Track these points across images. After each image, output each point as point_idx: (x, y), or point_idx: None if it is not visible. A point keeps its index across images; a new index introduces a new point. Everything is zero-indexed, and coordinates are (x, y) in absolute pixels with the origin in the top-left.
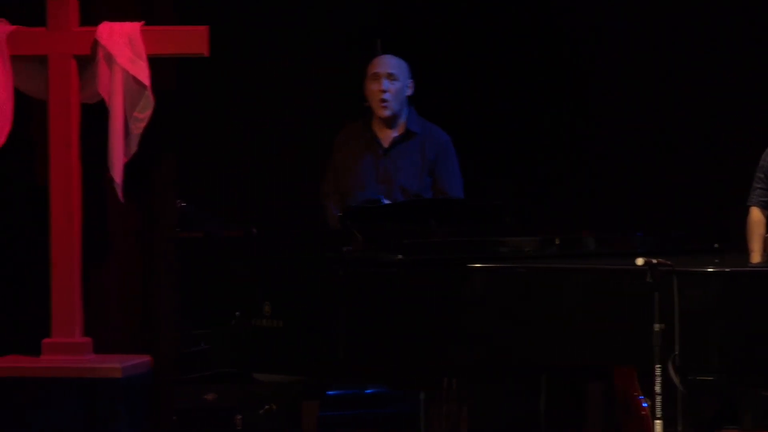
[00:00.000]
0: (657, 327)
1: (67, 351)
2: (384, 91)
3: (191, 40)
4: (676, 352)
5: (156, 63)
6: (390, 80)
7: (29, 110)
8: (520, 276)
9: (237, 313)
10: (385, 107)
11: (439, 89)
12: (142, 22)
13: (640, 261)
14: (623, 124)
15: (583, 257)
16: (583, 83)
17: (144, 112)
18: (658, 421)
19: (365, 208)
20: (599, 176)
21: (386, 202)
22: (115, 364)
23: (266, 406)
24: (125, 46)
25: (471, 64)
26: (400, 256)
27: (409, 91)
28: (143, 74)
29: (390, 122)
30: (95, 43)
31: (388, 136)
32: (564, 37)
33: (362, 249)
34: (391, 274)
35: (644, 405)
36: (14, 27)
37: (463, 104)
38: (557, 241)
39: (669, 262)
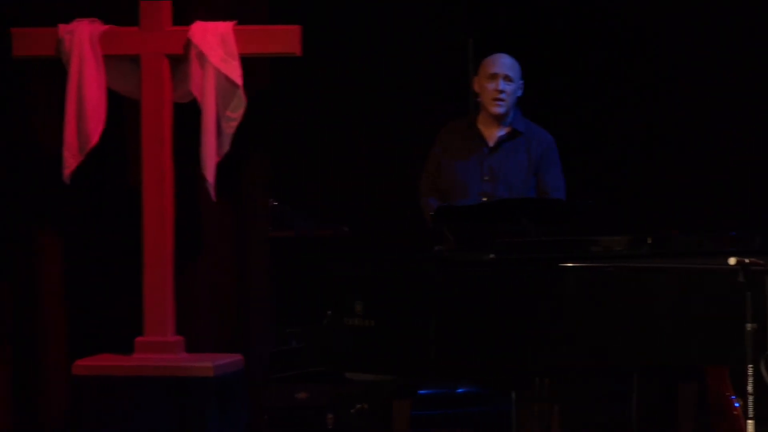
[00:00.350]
0: (749, 327)
1: (160, 350)
2: (501, 92)
3: (284, 39)
4: None
5: (249, 62)
6: (506, 81)
7: (122, 110)
8: (612, 275)
9: (329, 312)
10: (500, 105)
11: (530, 88)
12: (235, 22)
13: (732, 260)
14: (716, 122)
15: (675, 256)
16: (675, 81)
17: (236, 111)
18: (750, 421)
19: (457, 208)
20: (693, 174)
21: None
22: (206, 363)
23: (358, 406)
24: (218, 46)
25: (560, 62)
26: (491, 256)
27: (520, 92)
28: (235, 73)
29: (499, 120)
30: (188, 43)
31: (493, 135)
32: (656, 34)
33: (454, 248)
34: (483, 273)
35: (736, 405)
36: (107, 27)
37: (552, 103)
38: (649, 240)
39: (762, 262)
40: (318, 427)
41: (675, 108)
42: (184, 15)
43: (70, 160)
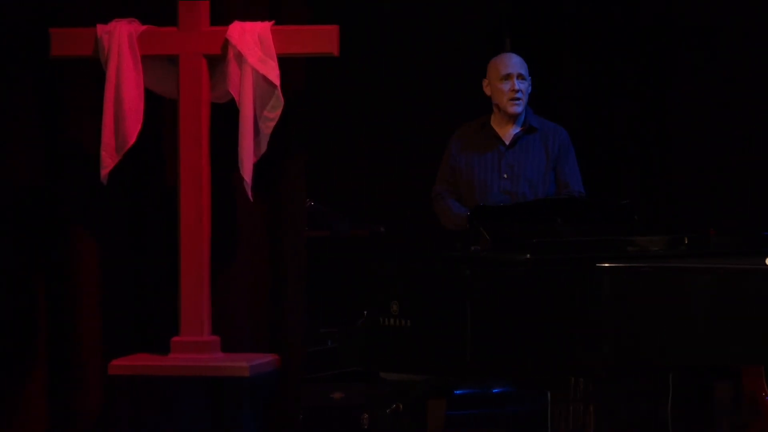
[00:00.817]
0: None
1: (196, 350)
2: (517, 91)
3: (321, 39)
4: None
5: (286, 63)
6: (520, 80)
7: (160, 110)
8: (649, 275)
9: (364, 312)
10: (517, 104)
11: (566, 86)
12: (273, 22)
13: None
14: (751, 121)
15: (711, 256)
16: (707, 80)
17: (274, 112)
18: None
19: (493, 207)
20: (729, 174)
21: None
22: (242, 363)
23: (393, 406)
24: (255, 46)
25: (596, 61)
26: (527, 256)
27: (530, 89)
28: (273, 74)
29: (514, 119)
30: (226, 43)
31: (508, 133)
32: (690, 35)
33: (490, 248)
34: (519, 273)
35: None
36: (145, 27)
37: (589, 101)
38: (686, 240)
39: None
40: (353, 427)
41: (714, 108)
42: (222, 15)
43: (108, 161)
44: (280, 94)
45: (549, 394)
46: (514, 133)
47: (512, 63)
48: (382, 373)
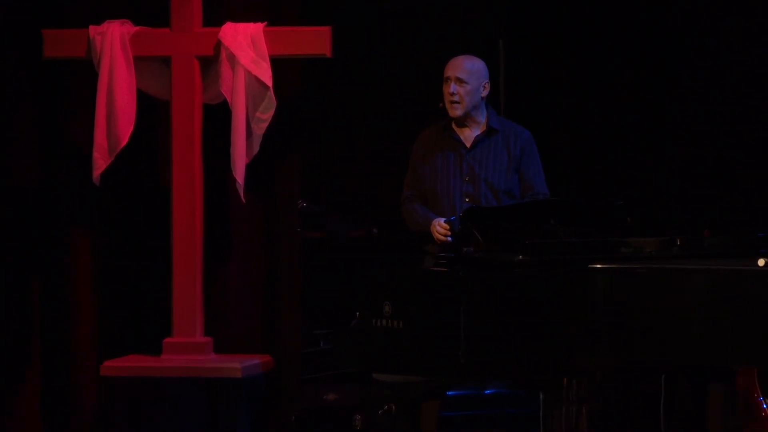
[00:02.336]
0: None
1: (188, 351)
2: (453, 94)
3: (314, 41)
4: None
5: (281, 64)
6: (459, 84)
7: (152, 111)
8: (642, 276)
9: (357, 313)
10: (454, 107)
11: (560, 87)
12: (265, 23)
13: (761, 262)
14: (745, 123)
15: (705, 257)
16: (702, 81)
17: (266, 113)
18: None
19: (485, 209)
20: (722, 175)
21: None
22: (235, 364)
23: (386, 407)
24: (248, 47)
25: (589, 62)
26: (520, 257)
27: (484, 92)
28: (265, 75)
29: (464, 122)
30: (218, 44)
31: (469, 136)
32: (684, 36)
33: (483, 249)
34: (512, 274)
35: (765, 406)
36: (138, 28)
37: (582, 102)
38: (679, 242)
39: None
40: (346, 428)
41: (708, 109)
42: (214, 16)
43: (100, 162)
44: (273, 95)
45: (542, 395)
46: (475, 135)
47: (452, 66)
48: (375, 375)
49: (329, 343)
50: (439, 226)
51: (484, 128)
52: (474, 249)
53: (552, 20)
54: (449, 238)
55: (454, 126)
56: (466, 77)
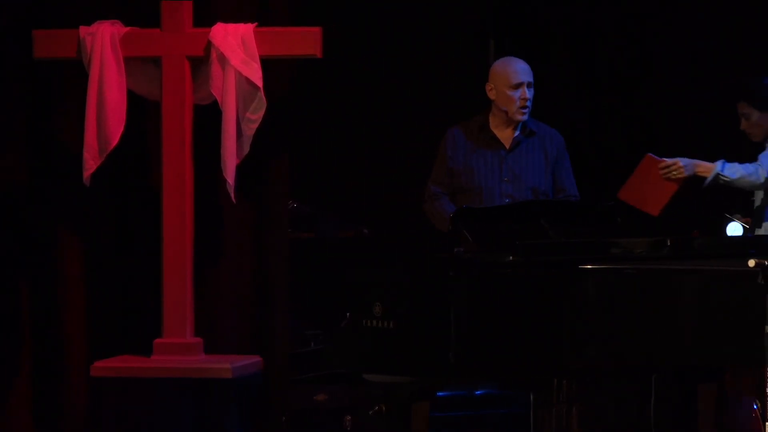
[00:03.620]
0: None
1: (178, 351)
2: (528, 99)
3: (304, 41)
4: None
5: (271, 64)
6: (530, 88)
7: (143, 111)
8: (632, 277)
9: (347, 313)
10: (525, 112)
11: (551, 87)
12: (256, 24)
13: (751, 262)
14: (735, 124)
15: (695, 258)
16: (693, 81)
17: (256, 113)
18: None
19: (476, 209)
20: None
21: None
22: (225, 365)
23: (376, 407)
24: (238, 48)
25: (580, 62)
26: (511, 257)
27: None
28: (256, 75)
29: (516, 123)
30: (209, 45)
31: (508, 137)
32: (675, 34)
33: (473, 250)
34: (503, 275)
35: (755, 407)
36: (128, 28)
37: (573, 102)
38: (669, 242)
39: None
40: (337, 429)
41: (699, 110)
42: (205, 17)
43: (90, 162)
44: (263, 96)
45: (532, 396)
46: (515, 136)
47: (523, 71)
48: (365, 375)
49: (319, 343)
50: None
51: (523, 130)
52: (464, 249)
53: (542, 20)
54: None
55: (492, 126)
56: (533, 80)
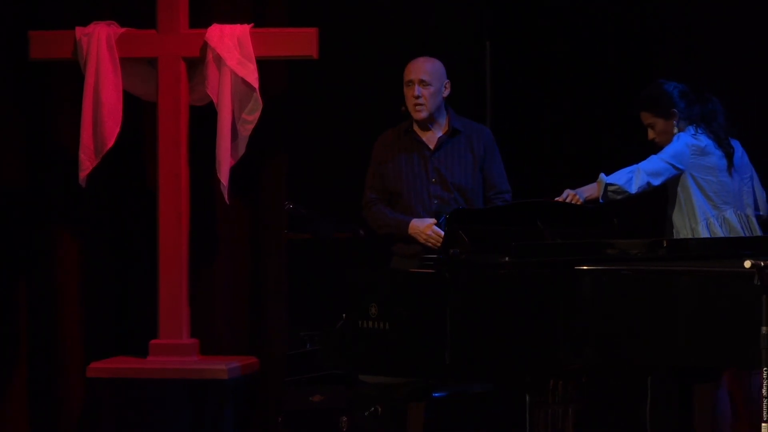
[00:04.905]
0: (764, 329)
1: (174, 352)
2: (417, 97)
3: (300, 42)
4: None
5: (268, 65)
6: (423, 86)
7: (139, 112)
8: (628, 278)
9: (343, 314)
10: (419, 110)
11: (548, 90)
12: (252, 24)
13: (747, 263)
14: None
15: (691, 259)
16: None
17: (252, 114)
18: (765, 424)
19: (472, 211)
20: None
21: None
22: (221, 366)
23: (372, 408)
24: (234, 48)
25: (575, 64)
26: (507, 258)
27: (446, 92)
28: (252, 76)
29: (427, 124)
30: (205, 45)
31: (431, 138)
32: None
33: (469, 251)
34: (498, 276)
35: (752, 407)
36: (124, 29)
37: (568, 102)
38: (665, 243)
39: None
40: (332, 430)
41: None
42: (201, 18)
43: (87, 163)
44: (259, 97)
45: (528, 396)
46: (438, 137)
47: (414, 69)
48: (361, 376)
49: (315, 344)
50: (434, 233)
51: (446, 129)
52: (460, 251)
53: (539, 21)
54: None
55: (415, 128)
56: (429, 79)
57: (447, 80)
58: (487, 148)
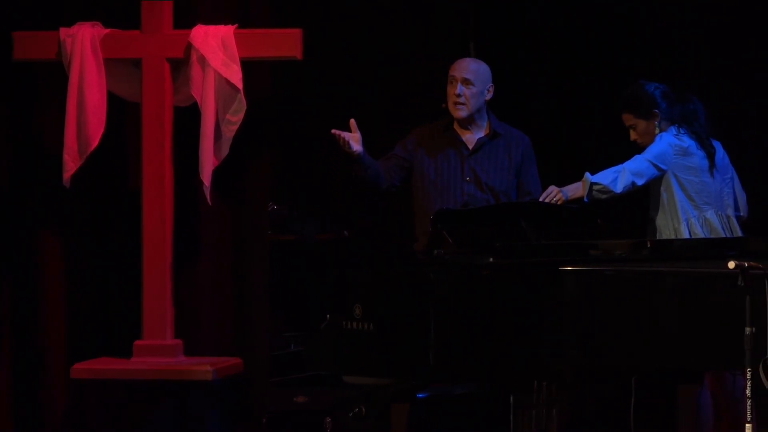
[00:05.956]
0: (748, 330)
1: (158, 353)
2: (458, 95)
3: (284, 43)
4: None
5: (252, 66)
6: (465, 85)
7: (123, 113)
8: (612, 279)
9: (327, 315)
10: (459, 108)
11: (533, 90)
12: (236, 25)
13: (731, 264)
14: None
15: (674, 260)
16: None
17: (236, 116)
18: (748, 425)
19: (456, 211)
20: None
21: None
22: (205, 367)
23: (356, 409)
24: (218, 49)
25: (561, 65)
26: (491, 259)
27: (488, 96)
28: (236, 77)
29: (467, 124)
30: (189, 46)
31: (471, 138)
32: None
33: (453, 252)
34: (483, 276)
35: (736, 408)
36: (108, 30)
37: (554, 104)
38: (649, 244)
39: (761, 266)
40: (316, 431)
41: None
42: (185, 19)
43: (71, 164)
44: (243, 98)
45: (512, 398)
46: (478, 138)
47: (458, 67)
48: (345, 377)
49: (299, 345)
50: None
51: (488, 131)
52: (444, 251)
53: (523, 22)
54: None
55: (456, 126)
56: (473, 78)
57: (491, 84)
58: (525, 154)
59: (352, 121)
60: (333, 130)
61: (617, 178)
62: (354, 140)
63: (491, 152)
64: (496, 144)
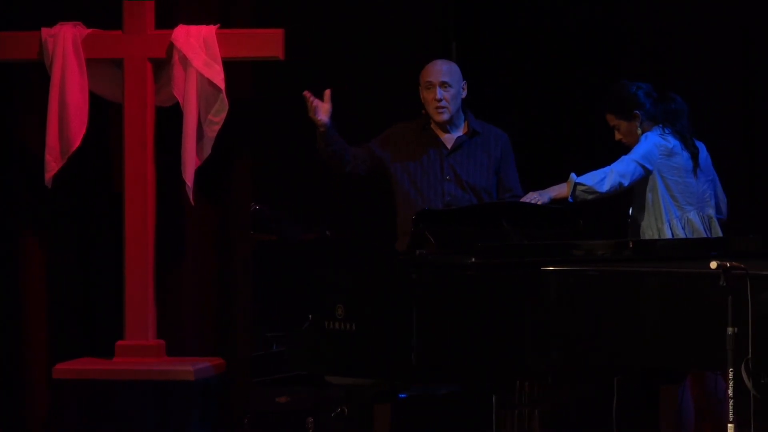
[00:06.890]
0: (730, 330)
1: (140, 353)
2: (440, 100)
3: (266, 43)
4: (749, 356)
5: (233, 66)
6: (444, 88)
7: (105, 113)
8: (594, 279)
9: (310, 315)
10: (442, 112)
11: (514, 91)
12: (218, 26)
13: (713, 264)
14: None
15: (657, 260)
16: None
17: (218, 116)
18: (730, 425)
19: (438, 211)
20: None
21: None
22: (187, 367)
23: (338, 409)
24: (200, 50)
25: (545, 65)
26: (473, 259)
27: (464, 94)
28: (218, 77)
29: (447, 126)
30: (171, 46)
31: (450, 138)
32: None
33: (435, 252)
34: (465, 277)
35: (718, 408)
36: (90, 30)
37: (535, 104)
38: (631, 244)
39: (742, 266)
40: (298, 431)
41: None
42: (167, 19)
43: (52, 164)
44: (225, 98)
45: (495, 398)
46: (456, 137)
47: (434, 71)
48: (327, 377)
49: (281, 345)
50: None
51: (466, 130)
52: (427, 251)
53: (504, 22)
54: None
55: (433, 127)
56: (449, 80)
57: (464, 81)
58: (504, 151)
59: (327, 92)
60: (305, 92)
61: (604, 178)
62: (322, 109)
63: (470, 151)
64: (475, 142)
